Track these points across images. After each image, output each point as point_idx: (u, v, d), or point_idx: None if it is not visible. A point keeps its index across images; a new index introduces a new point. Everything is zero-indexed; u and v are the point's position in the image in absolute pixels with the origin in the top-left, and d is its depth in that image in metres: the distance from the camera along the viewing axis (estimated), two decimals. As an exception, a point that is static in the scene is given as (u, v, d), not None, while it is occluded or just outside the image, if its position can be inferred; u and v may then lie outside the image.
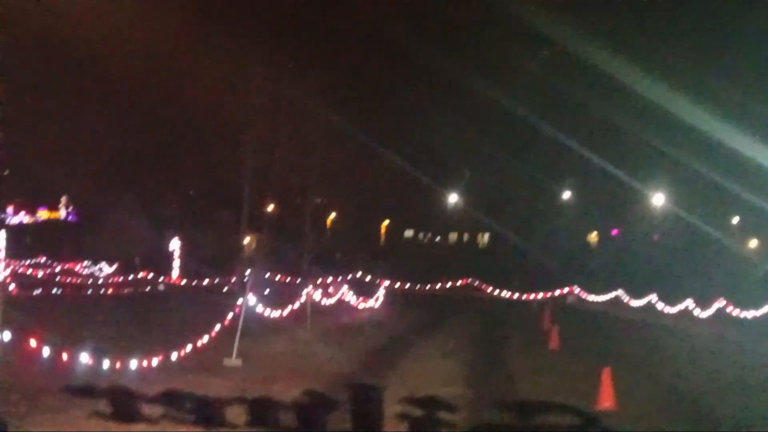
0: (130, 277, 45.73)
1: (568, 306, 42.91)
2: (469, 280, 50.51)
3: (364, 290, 38.85)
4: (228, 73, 44.79)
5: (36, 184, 67.89)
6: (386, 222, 75.00)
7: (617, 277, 47.77)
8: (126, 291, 39.63)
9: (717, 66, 53.45)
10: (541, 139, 60.50)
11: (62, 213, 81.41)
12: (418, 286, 48.89)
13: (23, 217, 78.94)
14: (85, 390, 3.64)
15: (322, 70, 45.99)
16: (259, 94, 44.53)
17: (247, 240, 66.05)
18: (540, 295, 45.70)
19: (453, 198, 69.02)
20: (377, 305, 35.62)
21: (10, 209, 75.44)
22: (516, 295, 46.85)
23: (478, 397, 15.12)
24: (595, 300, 44.46)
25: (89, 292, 37.39)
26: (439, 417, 3.23)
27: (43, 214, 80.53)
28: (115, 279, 45.72)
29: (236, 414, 3.39)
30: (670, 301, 39.87)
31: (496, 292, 47.82)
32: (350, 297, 32.28)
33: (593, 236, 70.76)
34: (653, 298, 40.23)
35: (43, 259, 49.98)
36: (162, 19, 38.66)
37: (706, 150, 53.75)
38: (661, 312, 38.94)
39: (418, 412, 3.22)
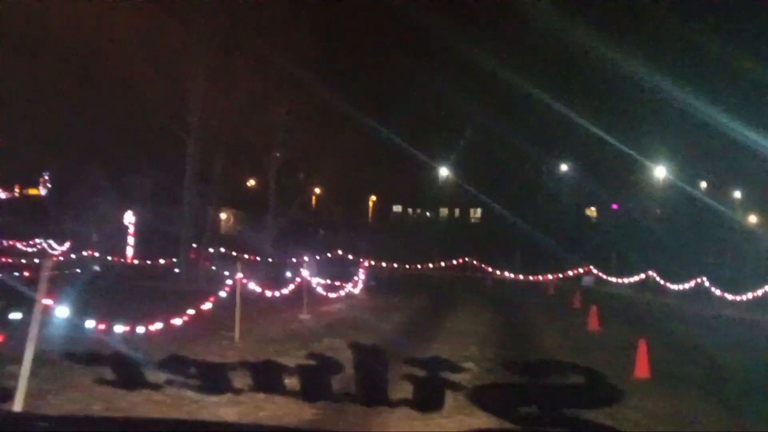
0: (72, 256, 36.09)
1: (584, 288, 31.76)
2: (466, 259, 39.26)
3: (342, 272, 27.81)
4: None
5: (19, 161, 57.32)
6: (373, 197, 63.84)
7: (634, 255, 36.58)
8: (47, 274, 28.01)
9: (723, 29, 47.82)
10: (537, 108, 51.39)
11: (41, 190, 72.24)
12: (408, 265, 37.75)
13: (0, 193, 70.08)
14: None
15: (303, 32, 34.53)
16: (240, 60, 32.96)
17: (223, 216, 55.32)
18: (550, 276, 34.54)
19: (444, 172, 58.21)
20: (357, 291, 24.55)
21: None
22: (521, 276, 35.70)
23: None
24: (618, 281, 33.30)
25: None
26: (445, 377, 2.67)
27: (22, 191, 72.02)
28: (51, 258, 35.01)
29: (240, 379, 2.81)
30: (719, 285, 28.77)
31: (498, 272, 36.60)
32: (315, 280, 21.19)
33: (592, 210, 59.81)
34: (700, 281, 28.95)
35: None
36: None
37: (708, 121, 45.76)
38: (721, 300, 27.59)
39: (422, 372, 2.68)
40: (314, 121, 37.39)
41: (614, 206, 58.92)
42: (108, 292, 21.95)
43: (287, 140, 35.71)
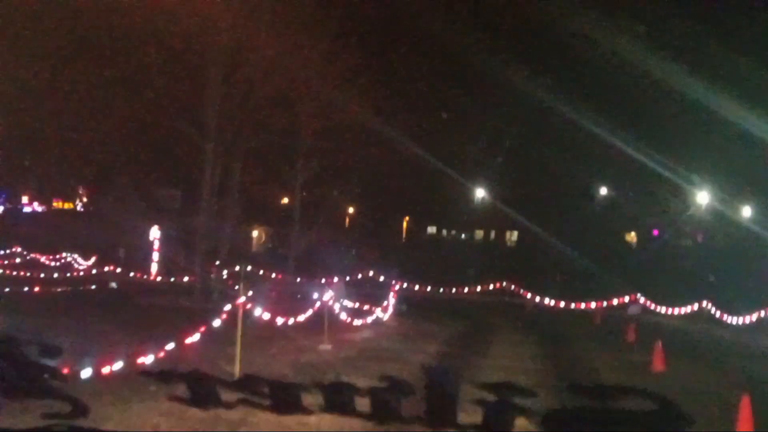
0: (94, 271, 34.06)
1: (631, 318, 28.34)
2: (503, 283, 35.90)
3: (373, 294, 24.77)
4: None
5: (54, 174, 55.35)
6: (407, 218, 60.75)
7: (681, 283, 33.13)
8: (60, 289, 26.75)
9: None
10: (576, 132, 47.69)
11: (77, 204, 70.68)
12: (442, 289, 34.53)
13: (37, 207, 69.20)
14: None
15: (342, 57, 31.68)
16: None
17: (255, 233, 52.60)
18: (593, 304, 31.17)
19: (480, 193, 55.06)
20: (386, 316, 21.40)
21: (25, 198, 68.51)
22: (562, 303, 32.33)
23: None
24: (668, 312, 29.79)
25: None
26: (515, 402, 2.64)
27: (57, 205, 70.67)
28: (66, 274, 33.44)
29: (311, 399, 2.83)
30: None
31: (537, 298, 33.22)
32: (342, 303, 18.19)
33: (632, 236, 56.19)
34: (763, 314, 25.39)
35: (17, 250, 41.24)
36: None
37: (753, 145, 44.72)
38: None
39: (492, 396, 2.66)
40: (346, 135, 34.39)
41: (655, 232, 55.32)
42: (110, 311, 19.27)
43: (315, 150, 32.52)
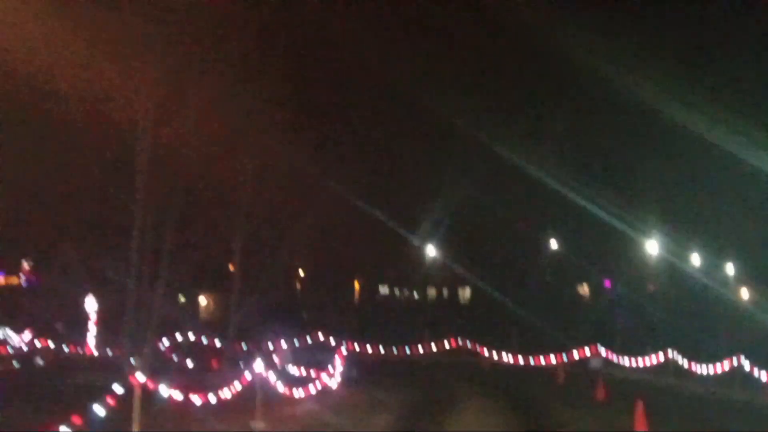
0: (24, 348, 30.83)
1: (592, 372, 26.16)
2: (459, 341, 33.65)
3: (322, 359, 22.16)
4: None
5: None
6: (359, 279, 58.28)
7: (640, 333, 31.23)
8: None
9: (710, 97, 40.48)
10: (525, 185, 47.62)
11: (22, 278, 65.97)
12: (396, 349, 32.12)
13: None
14: None
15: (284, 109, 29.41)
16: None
17: (203, 300, 49.73)
18: (553, 359, 29.01)
19: (431, 251, 52.80)
20: (334, 385, 18.89)
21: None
22: (521, 359, 30.12)
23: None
24: (632, 365, 27.69)
25: None
26: None
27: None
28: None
29: None
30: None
31: (495, 354, 30.97)
32: (275, 375, 15.53)
33: (584, 288, 54.28)
34: (735, 361, 23.23)
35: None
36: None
37: (701, 194, 45.29)
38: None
39: None
40: (289, 192, 32.03)
41: (607, 283, 53.55)
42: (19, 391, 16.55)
43: (255, 209, 29.85)
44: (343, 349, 22.88)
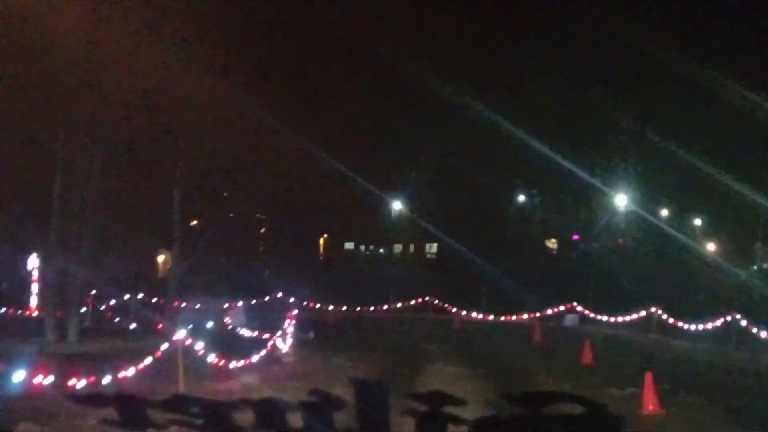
0: None
1: (567, 329, 23.35)
2: (426, 298, 30.64)
3: (279, 320, 19.05)
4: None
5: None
6: (325, 235, 55.22)
7: (615, 288, 28.58)
8: None
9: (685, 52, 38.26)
10: (491, 138, 44.17)
11: None
12: (360, 307, 29.09)
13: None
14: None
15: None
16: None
17: (160, 258, 46.30)
18: (525, 316, 26.13)
19: (397, 206, 49.84)
20: (285, 349, 15.80)
21: None
22: (491, 316, 27.23)
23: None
24: (611, 321, 24.88)
25: None
26: (447, 411, 2.48)
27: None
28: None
29: (242, 416, 2.58)
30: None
31: (464, 312, 28.07)
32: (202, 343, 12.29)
33: (553, 242, 51.65)
34: (729, 318, 20.43)
35: None
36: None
37: (668, 147, 42.17)
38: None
39: (424, 407, 2.49)
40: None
41: (575, 237, 50.96)
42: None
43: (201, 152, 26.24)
44: (295, 310, 19.71)
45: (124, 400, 2.71)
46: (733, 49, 40.92)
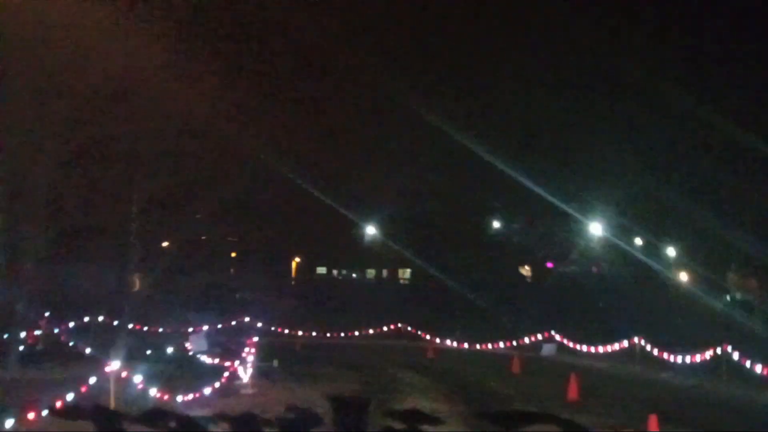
0: None
1: (545, 360, 21.80)
2: (399, 324, 29.02)
3: (238, 343, 17.37)
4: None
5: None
6: (297, 259, 53.42)
7: (595, 317, 27.12)
8: None
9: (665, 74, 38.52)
10: (467, 163, 42.97)
11: None
12: (329, 333, 27.39)
13: None
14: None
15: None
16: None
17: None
18: (501, 344, 24.60)
19: (370, 231, 48.21)
20: (245, 379, 14.04)
21: None
22: (465, 345, 25.65)
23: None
24: (591, 351, 23.35)
25: None
26: (424, 429, 2.52)
27: None
28: None
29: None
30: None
31: (437, 340, 26.45)
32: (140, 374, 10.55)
33: (526, 269, 50.20)
34: (720, 351, 18.94)
35: None
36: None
37: (643, 175, 41.86)
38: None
39: (402, 425, 2.55)
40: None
41: (549, 264, 49.53)
42: None
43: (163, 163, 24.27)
44: (255, 337, 17.83)
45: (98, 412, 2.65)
46: (712, 77, 40.19)
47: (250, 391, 15.05)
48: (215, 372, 15.87)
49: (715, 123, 35.47)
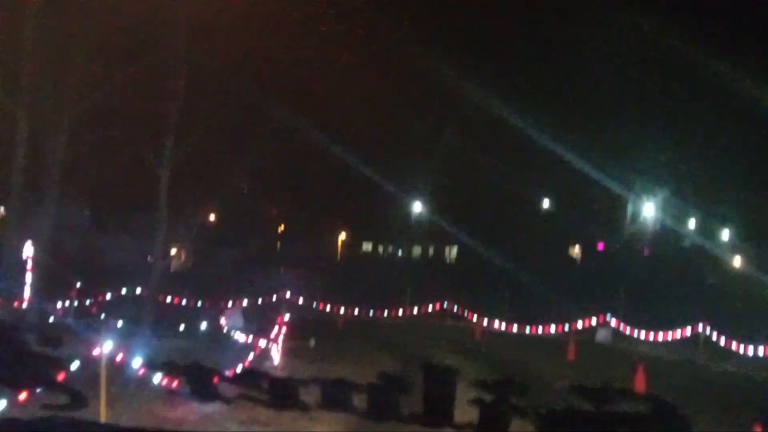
0: None
1: (600, 346, 19.74)
2: (445, 304, 27.15)
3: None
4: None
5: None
6: (343, 234, 51.84)
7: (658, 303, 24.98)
8: None
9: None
10: (519, 142, 40.83)
11: None
12: (372, 311, 25.67)
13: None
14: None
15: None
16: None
17: (173, 251, 43.09)
18: (552, 328, 22.63)
19: (417, 207, 46.37)
20: (276, 361, 12.27)
21: None
22: (514, 328, 23.75)
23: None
24: (650, 339, 21.28)
25: None
26: (511, 401, 2.53)
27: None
28: None
29: (309, 395, 2.69)
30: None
31: (485, 321, 24.58)
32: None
33: (576, 251, 47.96)
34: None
35: None
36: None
37: (700, 155, 40.08)
38: None
39: (489, 396, 2.56)
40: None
41: (600, 246, 47.24)
42: None
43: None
44: (287, 315, 16.02)
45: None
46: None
47: (279, 374, 13.38)
48: (246, 351, 14.31)
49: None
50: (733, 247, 48.64)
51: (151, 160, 20.44)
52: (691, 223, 47.74)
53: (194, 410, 9.24)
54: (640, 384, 13.01)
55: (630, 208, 46.20)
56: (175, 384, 8.63)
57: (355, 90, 42.02)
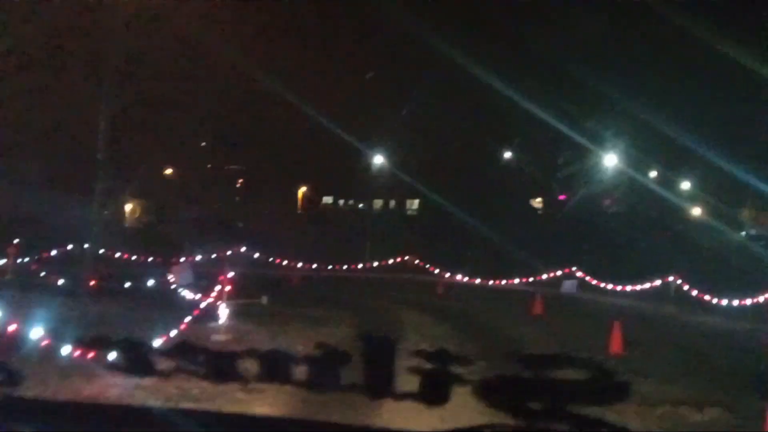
0: None
1: (566, 298, 18.60)
2: (406, 257, 25.87)
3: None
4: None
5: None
6: (303, 188, 50.39)
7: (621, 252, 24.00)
8: None
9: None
10: (478, 92, 38.99)
11: None
12: (331, 265, 24.31)
13: None
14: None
15: None
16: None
17: (128, 207, 41.50)
18: (516, 280, 21.48)
19: (378, 160, 44.86)
20: (220, 320, 10.74)
21: None
22: (477, 280, 22.53)
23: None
24: (618, 290, 20.21)
25: None
26: (452, 370, 2.32)
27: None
28: None
29: (246, 367, 2.43)
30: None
31: (447, 274, 23.33)
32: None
33: (538, 202, 47.02)
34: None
35: None
36: None
37: (660, 104, 38.66)
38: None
39: (430, 365, 2.36)
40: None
41: (561, 197, 46.24)
42: None
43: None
44: (231, 272, 14.41)
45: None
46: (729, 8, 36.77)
47: (221, 337, 11.93)
48: (190, 310, 12.85)
49: (733, 56, 32.23)
50: (694, 199, 48.26)
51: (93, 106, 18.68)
52: (652, 174, 47.03)
53: (115, 384, 7.83)
54: (616, 342, 11.80)
55: (591, 159, 45.29)
56: (90, 356, 7.22)
57: (316, 41, 40.45)
